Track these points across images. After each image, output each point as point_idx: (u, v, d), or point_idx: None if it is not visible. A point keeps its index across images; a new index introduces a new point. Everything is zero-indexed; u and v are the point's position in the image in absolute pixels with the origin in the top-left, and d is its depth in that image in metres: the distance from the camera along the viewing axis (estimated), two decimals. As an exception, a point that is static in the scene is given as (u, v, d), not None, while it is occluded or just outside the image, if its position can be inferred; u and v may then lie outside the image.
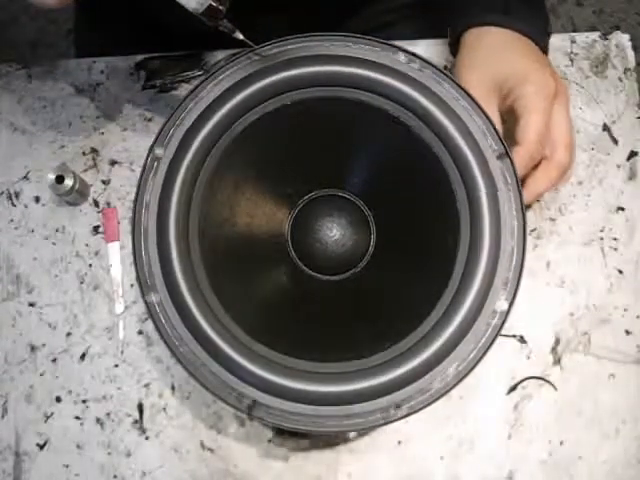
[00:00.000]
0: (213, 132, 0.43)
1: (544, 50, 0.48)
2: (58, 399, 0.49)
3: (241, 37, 0.43)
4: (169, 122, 0.42)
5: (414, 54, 0.43)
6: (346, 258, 0.50)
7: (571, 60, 0.57)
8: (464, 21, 0.49)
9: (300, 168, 0.48)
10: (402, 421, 0.38)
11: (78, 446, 0.49)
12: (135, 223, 0.41)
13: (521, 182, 0.41)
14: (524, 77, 0.44)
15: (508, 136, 0.44)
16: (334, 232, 0.50)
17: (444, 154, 0.42)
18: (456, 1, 0.51)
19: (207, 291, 0.41)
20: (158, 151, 0.42)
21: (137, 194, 0.41)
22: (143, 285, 0.40)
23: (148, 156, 0.42)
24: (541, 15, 0.49)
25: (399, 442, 0.49)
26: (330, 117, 0.45)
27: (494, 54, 0.46)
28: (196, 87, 0.43)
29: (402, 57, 0.43)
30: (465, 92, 0.42)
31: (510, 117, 0.46)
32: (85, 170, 0.54)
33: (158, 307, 0.40)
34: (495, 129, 0.41)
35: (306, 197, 0.51)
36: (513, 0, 0.48)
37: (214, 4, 0.40)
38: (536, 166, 0.45)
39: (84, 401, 0.49)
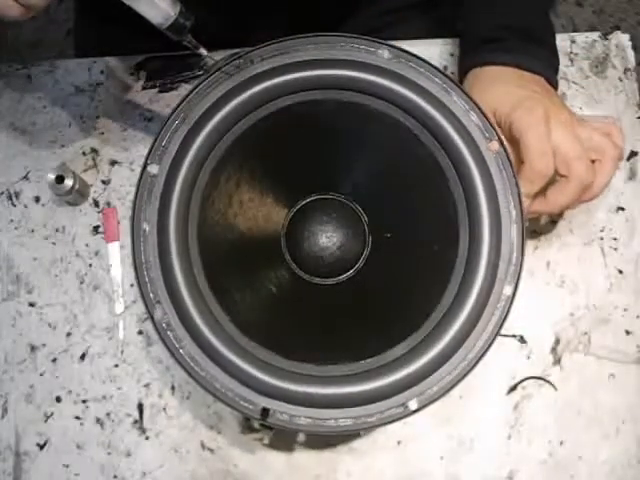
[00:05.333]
0: (211, 136, 0.42)
1: (551, 82, 0.48)
2: (58, 399, 0.49)
3: (205, 53, 0.43)
4: (162, 133, 0.41)
5: (408, 52, 0.42)
6: (342, 261, 0.50)
7: (571, 60, 0.57)
8: (467, 63, 0.50)
9: (296, 172, 0.48)
10: (402, 421, 0.38)
11: (78, 446, 0.49)
12: (134, 229, 0.40)
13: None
14: (513, 104, 0.44)
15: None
16: (330, 236, 0.50)
17: (440, 153, 0.42)
18: (464, 38, 0.52)
19: (210, 300, 0.41)
20: (152, 168, 0.41)
21: (135, 200, 0.41)
22: (148, 302, 0.39)
23: (144, 166, 0.41)
24: (544, 49, 0.49)
25: (399, 442, 0.49)
26: (325, 121, 0.45)
27: (487, 88, 0.46)
28: (195, 86, 0.42)
29: (387, 54, 0.42)
30: (462, 91, 0.42)
31: (515, 147, 0.45)
32: (85, 170, 0.54)
33: (166, 325, 0.39)
34: (492, 125, 0.41)
35: (302, 201, 0.51)
36: (514, 39, 0.48)
37: (179, 20, 0.40)
38: None
39: (84, 401, 0.49)
